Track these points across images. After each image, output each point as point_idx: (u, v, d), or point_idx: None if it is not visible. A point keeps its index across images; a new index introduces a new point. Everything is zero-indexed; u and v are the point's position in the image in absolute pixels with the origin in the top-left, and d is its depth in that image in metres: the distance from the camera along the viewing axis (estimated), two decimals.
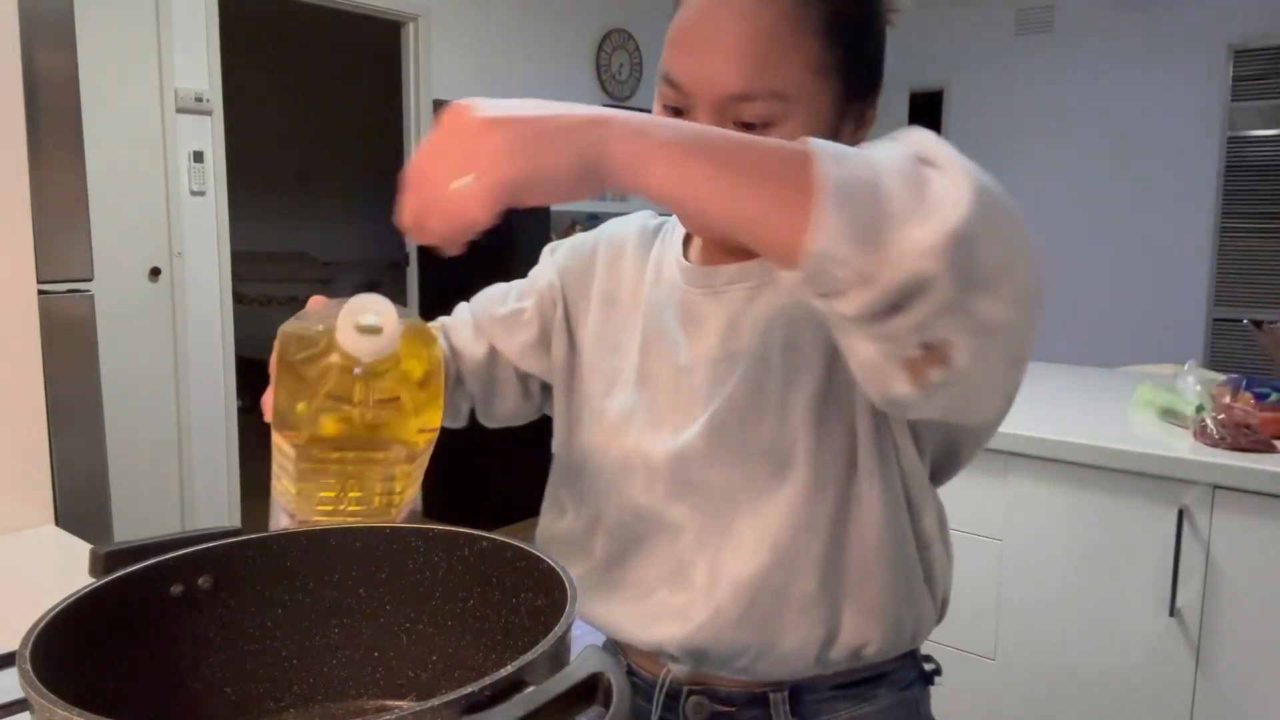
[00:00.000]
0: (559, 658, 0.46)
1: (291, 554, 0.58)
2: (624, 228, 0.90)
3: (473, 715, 0.39)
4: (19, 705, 0.78)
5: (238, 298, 3.87)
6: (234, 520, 3.65)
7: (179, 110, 3.38)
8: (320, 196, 7.19)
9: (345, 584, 0.60)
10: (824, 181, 0.46)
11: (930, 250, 0.46)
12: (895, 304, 0.47)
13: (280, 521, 0.62)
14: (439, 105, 4.17)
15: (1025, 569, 1.83)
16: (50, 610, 0.48)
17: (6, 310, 1.26)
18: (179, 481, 3.47)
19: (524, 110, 0.50)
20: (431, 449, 0.62)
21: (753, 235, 0.50)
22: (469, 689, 0.40)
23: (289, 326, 0.59)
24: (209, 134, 3.48)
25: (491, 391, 0.89)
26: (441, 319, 0.91)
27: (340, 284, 6.58)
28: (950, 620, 2.01)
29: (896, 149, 0.50)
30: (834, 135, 0.70)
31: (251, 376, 5.20)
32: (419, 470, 0.62)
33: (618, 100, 5.00)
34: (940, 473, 0.80)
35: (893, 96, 5.90)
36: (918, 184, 0.47)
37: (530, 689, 0.41)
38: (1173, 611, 1.65)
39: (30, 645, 0.45)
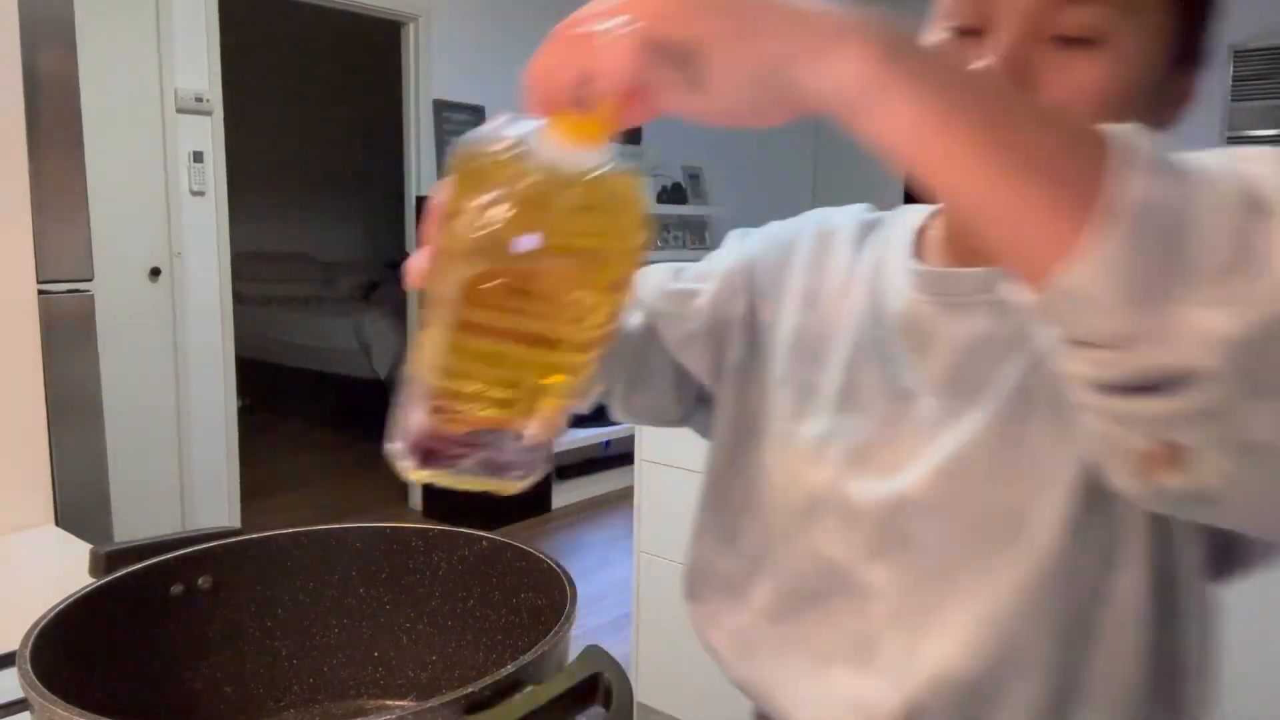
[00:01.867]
0: (559, 658, 0.46)
1: (292, 554, 0.59)
2: (833, 217, 0.75)
3: (474, 715, 0.39)
4: (19, 705, 0.78)
5: (238, 298, 3.88)
6: (234, 520, 3.65)
7: (179, 110, 3.38)
8: (320, 196, 7.19)
9: (345, 584, 0.60)
10: (1121, 195, 0.33)
11: (1218, 344, 0.34)
12: (1145, 386, 0.36)
13: (410, 420, 0.47)
14: (439, 105, 4.18)
15: None
16: (50, 610, 0.48)
17: (6, 310, 1.26)
18: (179, 481, 3.47)
19: None
20: (610, 330, 0.46)
21: (996, 232, 0.36)
22: (470, 688, 0.40)
23: (469, 138, 0.46)
24: (209, 134, 3.48)
25: (638, 377, 0.75)
26: None
27: (340, 284, 6.58)
28: None
29: (1227, 175, 0.36)
30: (1151, 96, 0.57)
31: (252, 376, 5.19)
32: (591, 359, 0.47)
33: None
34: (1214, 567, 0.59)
35: None
36: (1240, 244, 0.34)
37: (530, 688, 0.41)
38: None
39: (30, 645, 0.45)
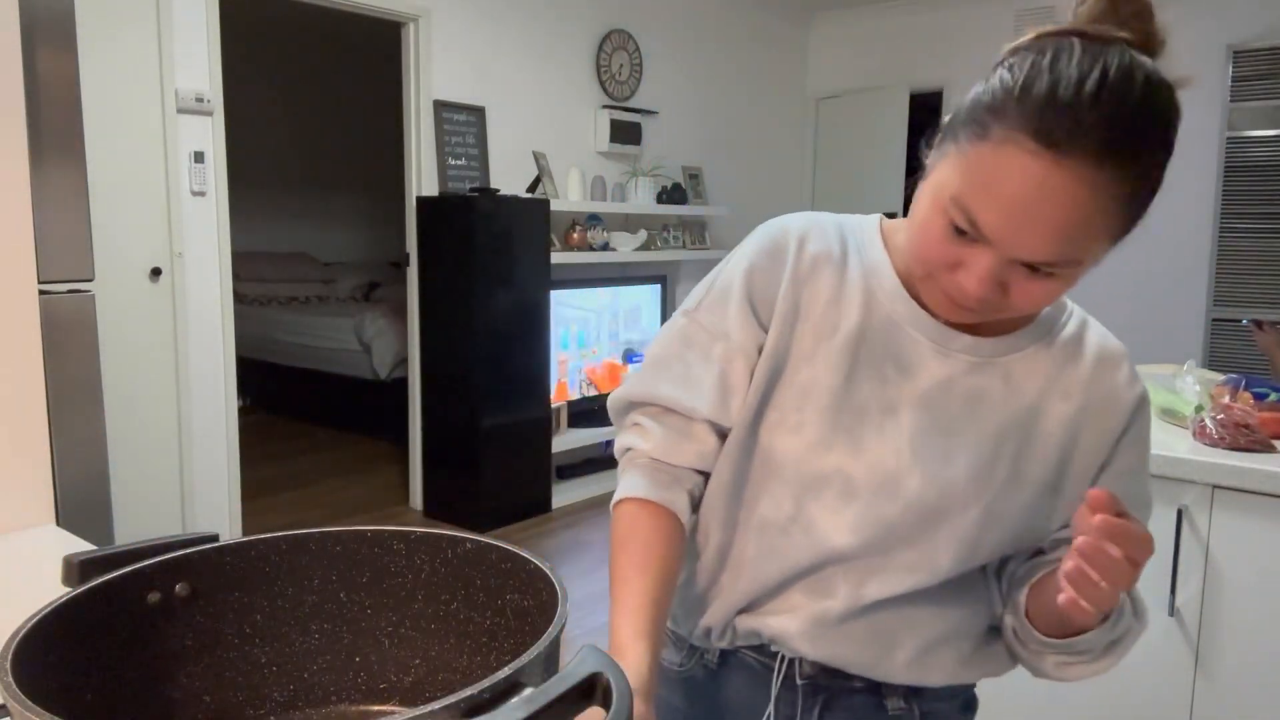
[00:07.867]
0: (553, 658, 0.46)
1: (269, 559, 0.58)
2: (816, 239, 0.85)
3: (474, 719, 0.39)
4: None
5: (238, 298, 3.88)
6: (235, 520, 3.66)
7: (180, 110, 3.38)
8: (320, 196, 7.19)
9: (325, 588, 0.60)
10: None
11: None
12: None
13: None
14: (439, 105, 4.17)
15: None
16: (29, 619, 0.48)
17: (7, 310, 1.26)
18: (179, 481, 3.48)
19: None
20: None
21: None
22: (469, 691, 0.40)
23: None
24: (209, 134, 3.48)
25: None
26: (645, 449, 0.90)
27: (340, 284, 6.59)
28: None
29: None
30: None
31: (251, 376, 5.17)
32: None
33: (617, 100, 4.99)
34: None
35: (893, 96, 5.89)
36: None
37: (529, 690, 0.41)
38: (1172, 611, 1.65)
39: (10, 653, 0.45)
